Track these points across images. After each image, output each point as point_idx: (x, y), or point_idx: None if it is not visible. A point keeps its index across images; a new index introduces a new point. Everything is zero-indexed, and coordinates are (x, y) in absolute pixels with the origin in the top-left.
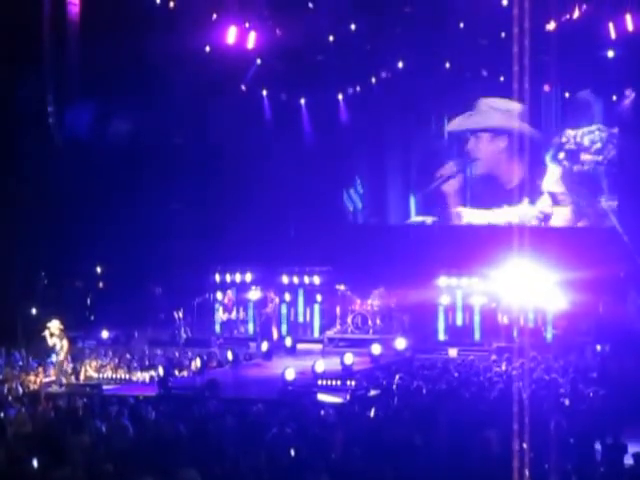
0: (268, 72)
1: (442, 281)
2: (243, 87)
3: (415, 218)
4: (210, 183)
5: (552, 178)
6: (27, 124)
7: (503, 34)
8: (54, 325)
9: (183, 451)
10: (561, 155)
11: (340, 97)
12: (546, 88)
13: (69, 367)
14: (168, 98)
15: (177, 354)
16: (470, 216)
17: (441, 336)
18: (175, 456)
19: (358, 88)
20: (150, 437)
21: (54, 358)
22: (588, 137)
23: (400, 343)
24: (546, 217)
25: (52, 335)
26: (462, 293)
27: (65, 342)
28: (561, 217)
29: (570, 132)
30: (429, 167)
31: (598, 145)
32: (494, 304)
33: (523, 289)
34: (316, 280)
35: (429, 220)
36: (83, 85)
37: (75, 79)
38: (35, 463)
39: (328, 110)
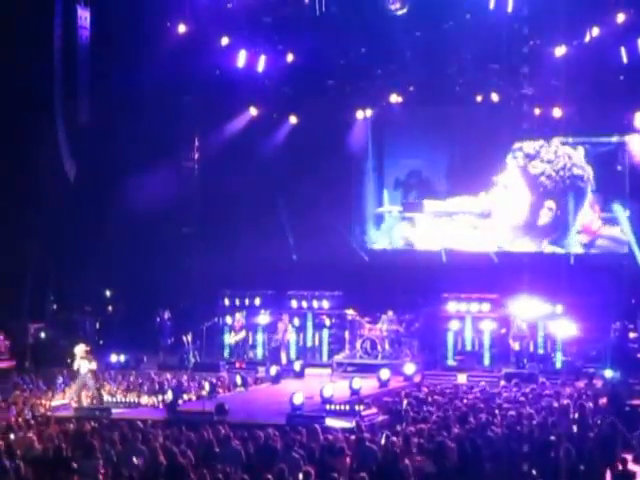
0: (277, 95)
1: (451, 306)
2: (253, 110)
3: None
4: (219, 207)
5: (510, 174)
6: (39, 154)
7: (513, 59)
8: (80, 349)
9: (191, 475)
10: (519, 155)
11: (349, 120)
12: (557, 113)
13: (93, 390)
14: (178, 120)
15: (186, 378)
16: (432, 206)
17: (450, 361)
18: None
19: (369, 112)
20: (158, 462)
21: (80, 382)
22: (546, 148)
23: (409, 368)
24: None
25: (79, 358)
26: (471, 318)
27: (93, 364)
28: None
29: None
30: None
31: (551, 156)
32: (504, 330)
33: (532, 315)
34: (325, 305)
35: (396, 209)
36: (93, 108)
37: (85, 104)
38: None
39: (338, 133)
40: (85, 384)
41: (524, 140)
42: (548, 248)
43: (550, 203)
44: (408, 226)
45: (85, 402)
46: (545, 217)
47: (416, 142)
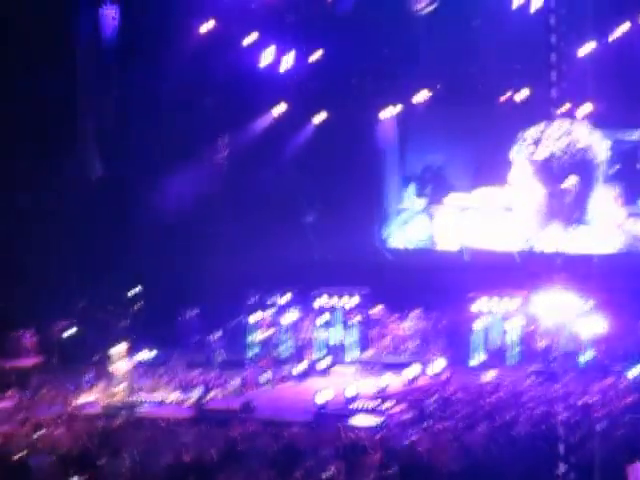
0: (301, 94)
1: (478, 304)
2: (278, 109)
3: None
4: (245, 205)
5: (519, 168)
6: (64, 154)
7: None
8: (120, 348)
9: (218, 473)
10: (523, 145)
11: (373, 119)
12: (581, 112)
13: (130, 388)
14: (203, 119)
15: (213, 376)
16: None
17: (477, 359)
18: (210, 479)
19: (393, 110)
20: (185, 460)
21: (119, 380)
22: (548, 130)
23: (436, 366)
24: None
25: (119, 357)
26: (498, 316)
27: (131, 362)
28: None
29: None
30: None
31: (555, 137)
32: (531, 327)
33: (560, 312)
34: (352, 303)
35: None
36: (117, 107)
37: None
38: None
39: (362, 132)
40: (124, 382)
41: (526, 128)
42: (577, 231)
43: (567, 182)
44: (430, 221)
45: (121, 399)
46: (567, 197)
47: (438, 139)
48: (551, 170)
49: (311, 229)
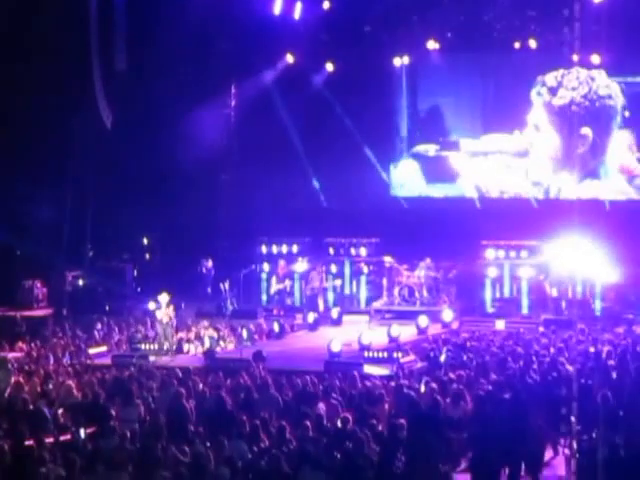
0: (314, 42)
1: (490, 253)
2: (290, 57)
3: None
4: (257, 153)
5: (537, 112)
6: (76, 102)
7: (552, 4)
8: (163, 298)
9: (230, 422)
10: (543, 90)
11: (386, 67)
12: (595, 59)
13: (171, 338)
14: (214, 67)
15: (224, 326)
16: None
17: (488, 308)
18: (223, 427)
19: (405, 59)
20: (198, 408)
21: (159, 329)
22: (567, 77)
23: (447, 315)
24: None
25: (163, 307)
26: (510, 265)
27: (171, 312)
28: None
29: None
30: None
31: (575, 83)
32: (542, 276)
33: (572, 261)
34: (363, 252)
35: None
36: (129, 55)
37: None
38: (82, 433)
39: (374, 80)
40: (166, 332)
41: (546, 73)
42: (587, 183)
43: (584, 130)
44: (442, 167)
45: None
46: (582, 147)
47: (450, 85)
48: (569, 116)
49: (324, 177)
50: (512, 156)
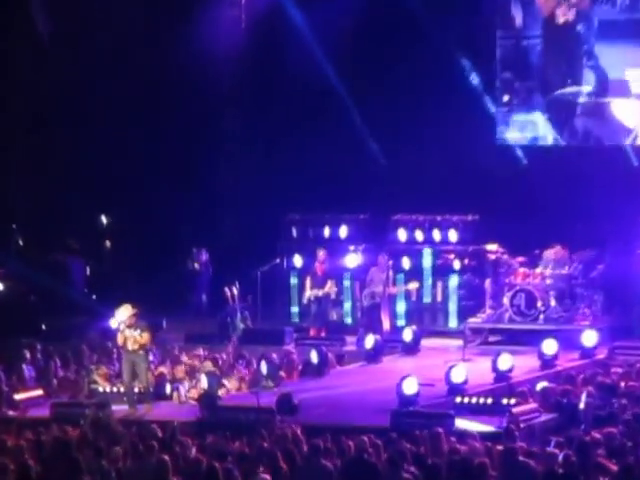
0: None
1: None
2: None
3: None
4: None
5: None
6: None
7: None
8: (124, 312)
9: None
10: None
11: None
12: None
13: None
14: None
15: (229, 355)
16: None
17: None
18: None
19: None
20: None
21: (126, 362)
22: None
23: (589, 338)
24: None
25: (123, 327)
26: None
27: (145, 337)
28: None
29: None
30: None
31: None
32: None
33: None
34: (452, 236)
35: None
36: None
37: None
38: None
39: None
40: (136, 367)
41: None
42: None
43: None
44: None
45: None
46: None
47: None
48: None
49: (382, 129)
50: None
